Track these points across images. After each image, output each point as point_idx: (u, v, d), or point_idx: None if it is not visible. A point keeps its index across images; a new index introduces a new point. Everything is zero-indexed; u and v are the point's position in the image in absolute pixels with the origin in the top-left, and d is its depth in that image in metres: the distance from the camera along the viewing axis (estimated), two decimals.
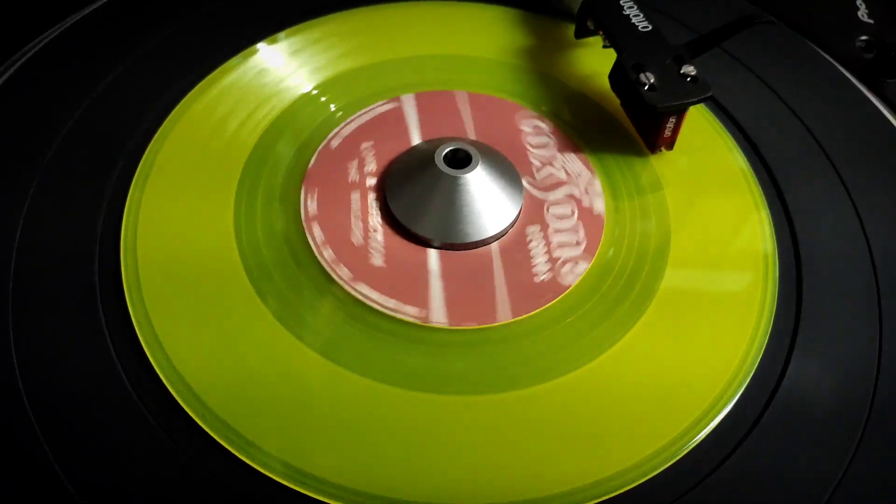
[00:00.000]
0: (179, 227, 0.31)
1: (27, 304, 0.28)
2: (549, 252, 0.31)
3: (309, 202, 0.31)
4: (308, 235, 0.30)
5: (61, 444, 0.25)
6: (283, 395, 0.27)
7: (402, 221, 0.31)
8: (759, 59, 0.38)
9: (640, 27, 0.34)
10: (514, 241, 0.31)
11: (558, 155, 0.34)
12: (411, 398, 0.27)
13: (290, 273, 0.30)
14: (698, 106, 0.33)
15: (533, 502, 0.25)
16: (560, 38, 0.39)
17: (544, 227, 0.31)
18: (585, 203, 0.32)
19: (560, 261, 0.30)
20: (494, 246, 0.31)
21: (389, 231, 0.31)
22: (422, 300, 0.29)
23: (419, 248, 0.30)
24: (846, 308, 0.30)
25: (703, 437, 0.26)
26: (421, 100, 0.36)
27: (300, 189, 0.32)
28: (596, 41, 0.37)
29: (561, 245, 0.31)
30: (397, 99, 0.35)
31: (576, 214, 0.32)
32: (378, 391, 0.27)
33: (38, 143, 0.32)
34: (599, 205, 0.32)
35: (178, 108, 0.34)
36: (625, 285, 0.30)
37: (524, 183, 0.32)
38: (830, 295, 0.30)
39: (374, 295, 0.29)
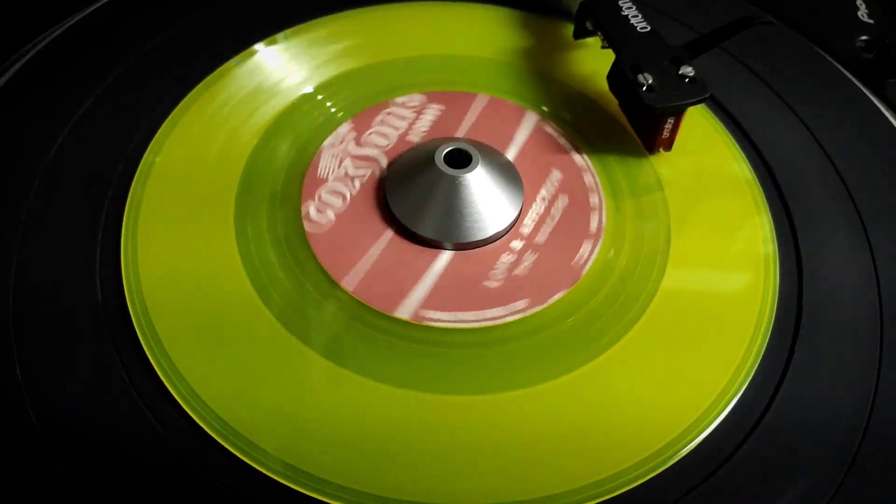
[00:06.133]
0: (180, 229, 0.31)
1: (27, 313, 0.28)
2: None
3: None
4: (309, 237, 0.30)
5: (60, 441, 0.25)
6: (283, 395, 0.27)
7: (403, 221, 0.31)
8: (759, 60, 0.38)
9: (638, 28, 0.34)
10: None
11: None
12: (411, 398, 0.27)
13: (291, 275, 0.30)
14: (699, 106, 0.33)
15: (533, 502, 0.25)
16: (559, 38, 0.39)
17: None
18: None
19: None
20: (495, 245, 0.31)
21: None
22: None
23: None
24: (847, 310, 0.30)
25: (703, 438, 0.26)
26: (423, 100, 0.36)
27: (300, 190, 0.32)
28: (595, 41, 0.37)
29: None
30: (396, 100, 0.35)
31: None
32: (378, 391, 0.27)
33: (36, 149, 0.32)
34: (600, 204, 0.32)
35: (177, 109, 0.34)
36: (625, 285, 0.30)
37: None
38: (831, 297, 0.30)
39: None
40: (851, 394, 0.28)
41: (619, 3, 0.35)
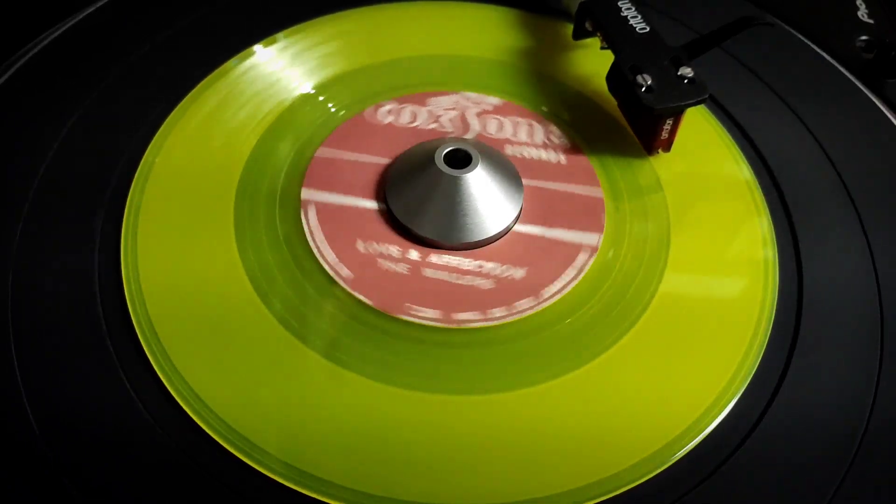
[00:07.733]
0: (180, 229, 0.31)
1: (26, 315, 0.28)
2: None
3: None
4: (309, 237, 0.30)
5: (60, 442, 0.25)
6: (284, 395, 0.27)
7: (403, 221, 0.31)
8: (759, 60, 0.38)
9: (638, 28, 0.34)
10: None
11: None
12: (411, 398, 0.27)
13: (292, 276, 0.30)
14: (699, 107, 0.33)
15: (533, 502, 0.25)
16: (559, 38, 0.39)
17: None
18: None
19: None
20: (495, 246, 0.31)
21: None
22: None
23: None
24: (847, 313, 0.30)
25: (702, 438, 0.26)
26: (415, 100, 0.36)
27: (300, 190, 0.32)
28: (595, 41, 0.37)
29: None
30: (396, 100, 0.35)
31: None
32: (378, 391, 0.27)
33: (35, 149, 0.32)
34: (599, 204, 0.32)
35: (177, 109, 0.34)
36: (624, 286, 0.30)
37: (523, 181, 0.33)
38: (831, 300, 0.30)
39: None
40: (850, 395, 0.28)
41: (619, 3, 0.35)
